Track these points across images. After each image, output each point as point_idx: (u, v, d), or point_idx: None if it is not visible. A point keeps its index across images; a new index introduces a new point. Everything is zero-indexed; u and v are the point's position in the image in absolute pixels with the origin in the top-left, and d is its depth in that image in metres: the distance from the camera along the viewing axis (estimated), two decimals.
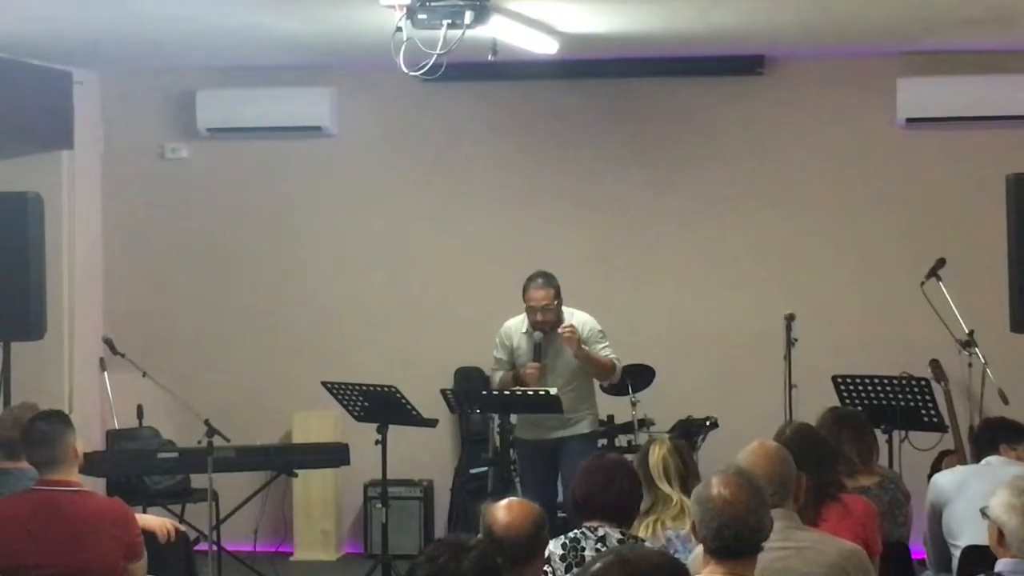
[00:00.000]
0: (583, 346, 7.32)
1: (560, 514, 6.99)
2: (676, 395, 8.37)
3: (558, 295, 7.39)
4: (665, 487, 5.06)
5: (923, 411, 7.17)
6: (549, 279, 7.38)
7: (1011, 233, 7.17)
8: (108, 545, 5.03)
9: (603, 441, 7.91)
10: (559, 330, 7.32)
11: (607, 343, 7.49)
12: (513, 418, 7.86)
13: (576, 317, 7.48)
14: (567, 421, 7.42)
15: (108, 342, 8.93)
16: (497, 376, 7.56)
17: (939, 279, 7.92)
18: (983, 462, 5.66)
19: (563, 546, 4.57)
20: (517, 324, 7.49)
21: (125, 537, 5.09)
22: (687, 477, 5.12)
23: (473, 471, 8.73)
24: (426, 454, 8.83)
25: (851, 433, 5.65)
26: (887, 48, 8.47)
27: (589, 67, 8.78)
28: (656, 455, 5.13)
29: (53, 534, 4.99)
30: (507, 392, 7.42)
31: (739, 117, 8.92)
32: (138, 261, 9.42)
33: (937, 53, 8.45)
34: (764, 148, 8.91)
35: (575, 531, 4.63)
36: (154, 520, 5.80)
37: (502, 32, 6.61)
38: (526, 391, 7.36)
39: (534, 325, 7.38)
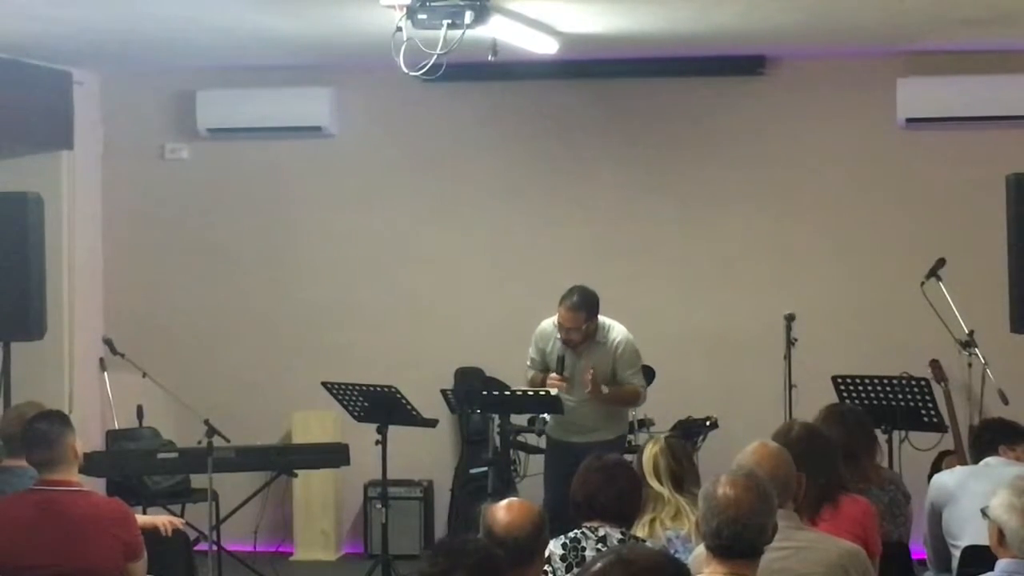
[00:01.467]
0: (603, 387, 7.26)
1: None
2: (676, 395, 8.37)
3: (590, 316, 7.28)
4: (656, 485, 5.04)
5: (923, 411, 7.17)
6: (584, 299, 7.26)
7: (1011, 233, 7.18)
8: (108, 544, 5.03)
9: None
10: (584, 376, 7.25)
11: (636, 367, 7.43)
12: (522, 418, 7.88)
13: (613, 332, 7.41)
14: (593, 428, 7.41)
15: (108, 342, 8.94)
16: (530, 374, 7.54)
17: (939, 279, 7.92)
18: (982, 463, 5.67)
19: (563, 546, 4.57)
20: (552, 329, 7.44)
21: (125, 536, 5.09)
22: (681, 476, 5.10)
23: (473, 471, 8.72)
24: (426, 454, 8.83)
25: (849, 433, 5.63)
26: (887, 48, 8.48)
27: (589, 67, 8.78)
28: (647, 453, 5.13)
29: (53, 534, 4.99)
30: (507, 392, 7.42)
31: (739, 117, 8.92)
32: (138, 261, 9.42)
33: (937, 53, 8.45)
34: (764, 148, 8.91)
35: (575, 531, 4.63)
36: (155, 518, 5.81)
37: (502, 32, 6.61)
38: (526, 391, 7.37)
39: (562, 341, 7.36)
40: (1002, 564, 3.99)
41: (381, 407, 7.66)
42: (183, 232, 9.37)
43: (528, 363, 7.53)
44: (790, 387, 7.97)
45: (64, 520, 5.01)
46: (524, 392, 7.39)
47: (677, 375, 8.49)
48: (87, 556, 5.01)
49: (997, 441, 5.71)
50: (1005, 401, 7.69)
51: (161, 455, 7.98)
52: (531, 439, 8.09)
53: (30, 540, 4.99)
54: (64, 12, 6.91)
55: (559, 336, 7.36)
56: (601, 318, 7.40)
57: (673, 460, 5.11)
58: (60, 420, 5.21)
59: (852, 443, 5.55)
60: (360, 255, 9.25)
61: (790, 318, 8.09)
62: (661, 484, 5.05)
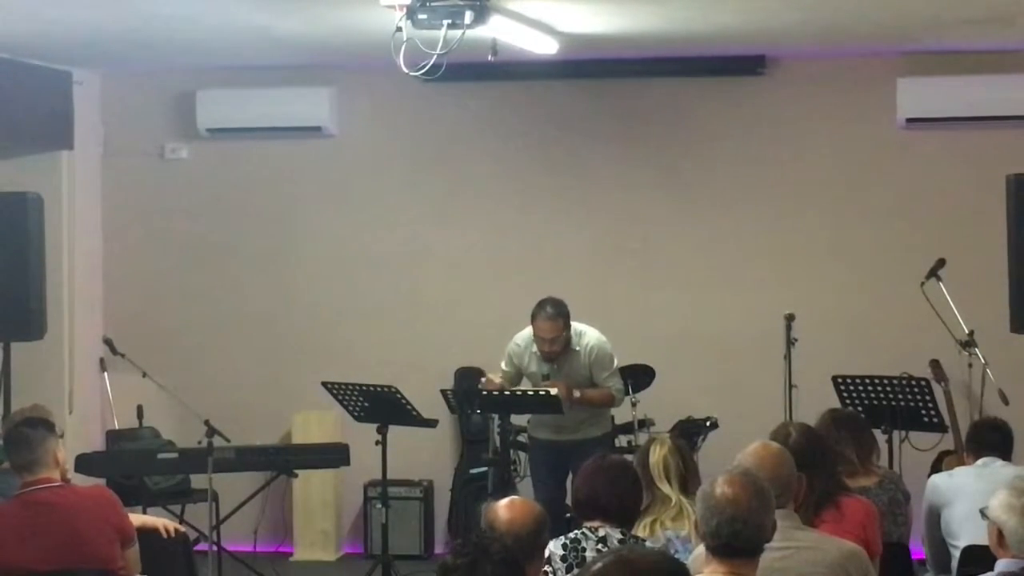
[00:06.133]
0: (575, 392, 7.32)
1: (568, 515, 6.99)
2: (676, 395, 8.37)
3: (566, 324, 7.36)
4: (664, 487, 5.05)
5: (923, 411, 7.17)
6: (558, 309, 7.33)
7: (1011, 233, 7.18)
8: (102, 531, 5.05)
9: None
10: (543, 384, 7.36)
11: (612, 370, 7.48)
12: (522, 418, 7.90)
13: (585, 338, 7.46)
14: (577, 426, 7.46)
15: (108, 342, 8.93)
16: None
17: (939, 279, 7.92)
18: (980, 462, 5.68)
19: (564, 547, 4.56)
20: (527, 342, 7.48)
21: (115, 520, 5.12)
22: (687, 477, 5.11)
23: (473, 471, 8.74)
24: (426, 454, 8.83)
25: (850, 434, 5.64)
26: (887, 48, 8.48)
27: (589, 67, 8.78)
28: (657, 455, 5.12)
29: (47, 531, 5.00)
30: (507, 392, 7.43)
31: (739, 117, 8.92)
32: (138, 261, 9.42)
33: (937, 53, 8.45)
34: (764, 148, 8.91)
35: (576, 532, 4.62)
36: (155, 519, 5.82)
37: (502, 32, 6.61)
38: (526, 391, 7.38)
39: (542, 354, 7.39)
40: (1001, 564, 4.00)
41: (381, 407, 7.66)
42: (183, 232, 9.37)
43: (501, 376, 7.57)
44: (790, 387, 7.97)
45: (55, 515, 5.02)
46: (524, 392, 7.40)
47: (677, 375, 8.49)
48: (84, 546, 5.02)
49: (989, 443, 5.74)
50: (1005, 401, 7.69)
51: (161, 455, 7.99)
52: None
53: (26, 542, 4.99)
54: (64, 12, 6.91)
55: (534, 350, 7.41)
56: (574, 324, 7.44)
57: (682, 461, 5.12)
58: (44, 426, 5.23)
59: (850, 446, 5.57)
60: (360, 255, 9.25)
61: (790, 318, 8.08)
62: (670, 486, 5.05)
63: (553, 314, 7.31)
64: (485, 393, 7.50)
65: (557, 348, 7.35)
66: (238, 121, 9.13)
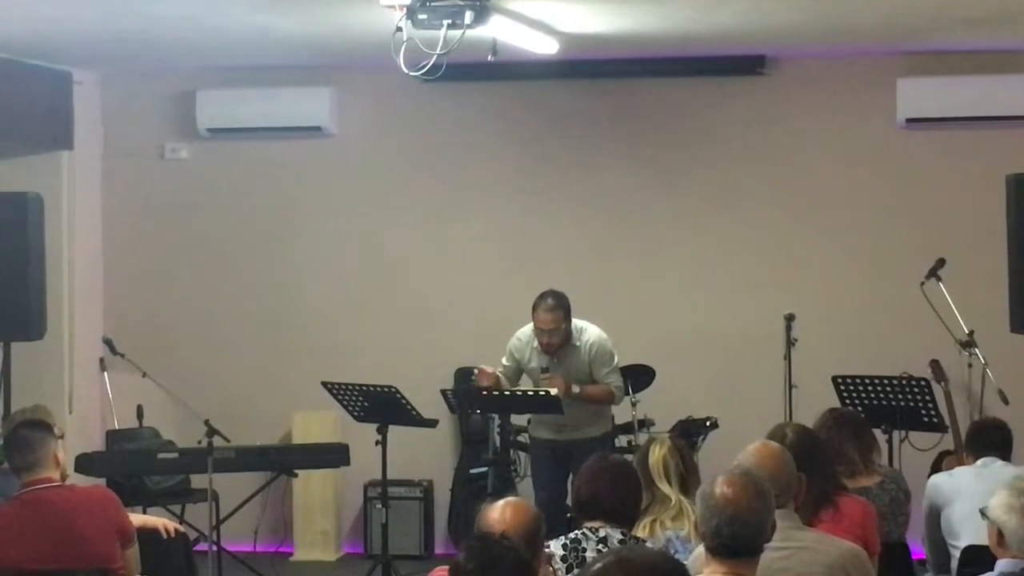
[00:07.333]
0: (573, 387, 7.33)
1: (569, 515, 6.99)
2: (676, 395, 8.37)
3: (567, 316, 7.38)
4: (664, 487, 5.05)
5: (923, 411, 7.17)
6: (559, 300, 7.35)
7: (1011, 233, 7.18)
8: (102, 530, 5.06)
9: None
10: (541, 377, 7.37)
11: (612, 366, 7.48)
12: (522, 418, 7.90)
13: (586, 334, 7.47)
14: (578, 426, 7.45)
15: (108, 342, 8.93)
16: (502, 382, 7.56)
17: (939, 279, 7.92)
18: (980, 462, 5.68)
19: (564, 547, 4.56)
20: (528, 338, 7.49)
21: (116, 518, 5.14)
22: (687, 477, 5.11)
23: (473, 471, 8.74)
24: (426, 454, 8.83)
25: (851, 433, 5.65)
26: (887, 48, 8.48)
27: (589, 67, 8.78)
28: (656, 455, 5.12)
29: (46, 530, 5.02)
30: (507, 392, 7.43)
31: (740, 117, 8.92)
32: (138, 261, 9.42)
33: (937, 53, 8.45)
34: (764, 148, 8.91)
35: (576, 532, 4.62)
36: (155, 519, 5.82)
37: (502, 32, 6.61)
38: (526, 391, 7.38)
39: (542, 347, 7.40)
40: (1001, 564, 4.00)
41: (381, 407, 7.66)
42: (183, 232, 9.37)
43: (501, 370, 7.57)
44: (790, 387, 7.98)
45: (56, 514, 5.03)
46: (524, 392, 7.41)
47: (677, 375, 8.49)
48: (83, 545, 5.03)
49: (989, 443, 5.74)
50: (1005, 401, 7.69)
51: (161, 455, 7.99)
52: None
53: (23, 542, 5.00)
54: (64, 12, 6.91)
55: (535, 345, 7.40)
56: (575, 321, 7.44)
57: (681, 461, 5.12)
58: (43, 428, 5.26)
59: (852, 446, 5.57)
60: (360, 255, 9.25)
61: (790, 318, 8.10)
62: (670, 486, 5.05)
63: (553, 305, 7.32)
64: (485, 393, 7.50)
65: (556, 341, 7.36)
66: (238, 121, 9.14)
